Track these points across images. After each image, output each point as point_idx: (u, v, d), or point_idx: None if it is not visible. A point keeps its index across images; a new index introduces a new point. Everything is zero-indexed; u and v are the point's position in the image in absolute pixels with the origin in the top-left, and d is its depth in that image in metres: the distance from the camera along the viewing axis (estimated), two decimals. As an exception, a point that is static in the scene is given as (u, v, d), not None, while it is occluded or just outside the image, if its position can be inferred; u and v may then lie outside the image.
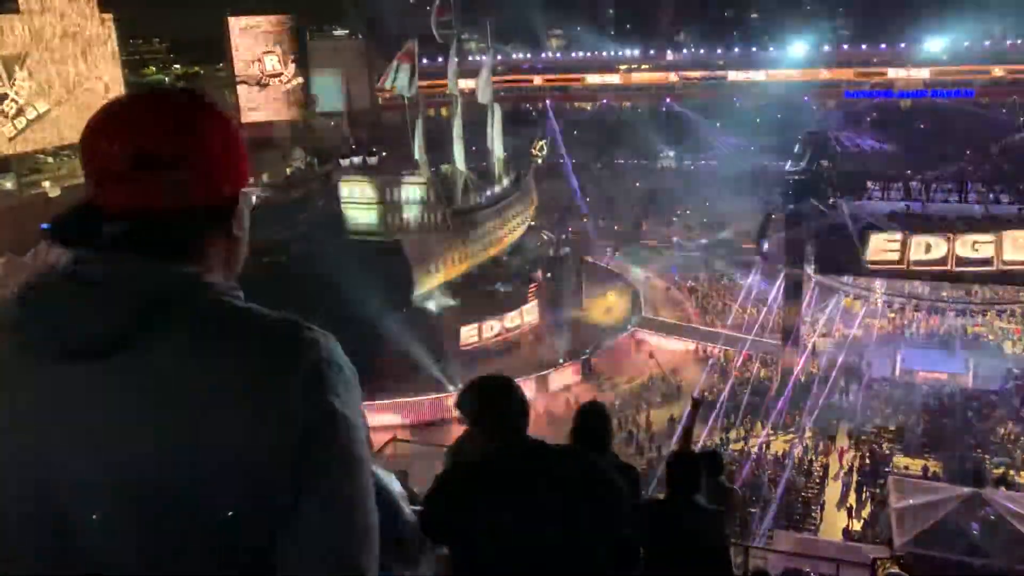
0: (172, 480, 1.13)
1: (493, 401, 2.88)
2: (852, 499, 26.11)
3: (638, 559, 2.80)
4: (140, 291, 1.20)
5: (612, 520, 2.65)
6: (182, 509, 1.14)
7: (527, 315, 40.48)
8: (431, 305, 38.19)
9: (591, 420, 4.42)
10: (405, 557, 2.64)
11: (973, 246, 31.33)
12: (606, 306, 42.17)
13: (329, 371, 1.23)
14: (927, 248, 31.78)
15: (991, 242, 31.07)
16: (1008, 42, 67.31)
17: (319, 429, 1.19)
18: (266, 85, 65.89)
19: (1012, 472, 27.05)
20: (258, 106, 64.67)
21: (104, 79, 48.68)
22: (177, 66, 79.54)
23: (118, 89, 53.06)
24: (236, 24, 63.27)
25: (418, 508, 2.82)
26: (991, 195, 32.42)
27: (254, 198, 1.42)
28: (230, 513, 1.15)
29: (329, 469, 1.21)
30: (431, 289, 39.13)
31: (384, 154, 50.60)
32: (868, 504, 25.38)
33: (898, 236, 31.92)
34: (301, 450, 1.17)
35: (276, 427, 1.16)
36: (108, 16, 48.84)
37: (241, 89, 65.09)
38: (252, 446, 1.15)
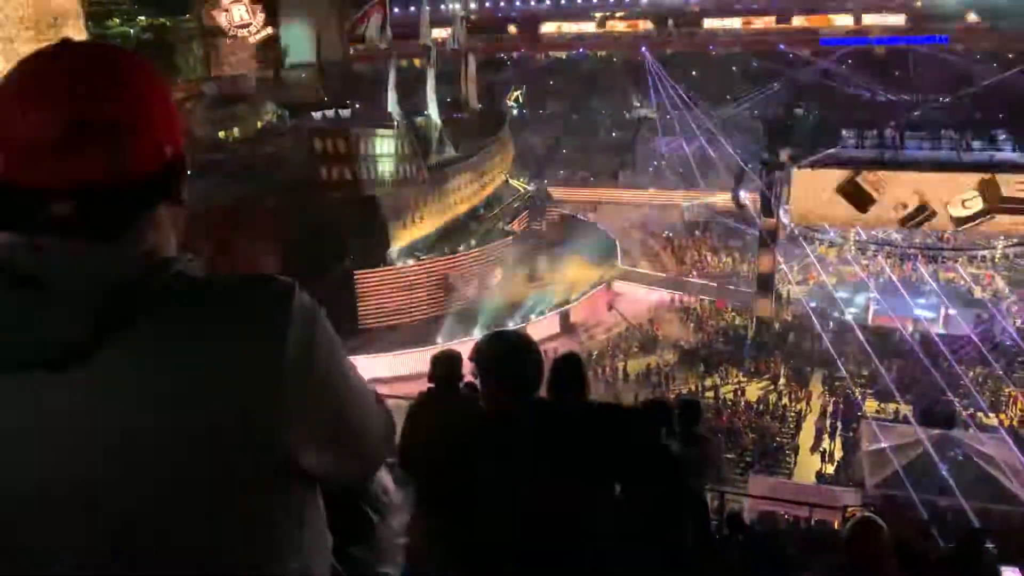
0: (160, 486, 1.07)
1: (512, 359, 2.84)
2: (826, 443, 26.68)
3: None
4: (97, 284, 1.07)
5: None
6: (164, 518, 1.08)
7: (504, 268, 40.42)
8: (408, 260, 37.97)
9: (565, 372, 4.46)
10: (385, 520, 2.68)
11: (963, 204, 31.75)
12: (582, 261, 42.26)
13: (310, 316, 1.17)
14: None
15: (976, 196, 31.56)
16: (983, -13, 67.09)
17: (317, 373, 1.16)
18: (234, 37, 64.44)
19: (980, 414, 27.73)
20: (229, 59, 63.32)
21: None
22: (142, 18, 77.34)
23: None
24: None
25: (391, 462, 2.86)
26: (963, 142, 32.71)
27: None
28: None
29: (340, 396, 1.22)
30: (407, 243, 38.92)
31: (357, 106, 49.87)
32: (841, 448, 25.95)
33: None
34: (310, 398, 1.15)
35: (269, 394, 1.11)
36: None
37: (212, 41, 63.61)
38: (251, 419, 1.10)
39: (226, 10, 65.49)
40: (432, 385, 5.27)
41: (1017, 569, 4.38)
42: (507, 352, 2.84)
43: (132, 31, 76.96)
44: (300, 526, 1.21)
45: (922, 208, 32.08)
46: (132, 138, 1.13)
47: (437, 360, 5.32)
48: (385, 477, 2.79)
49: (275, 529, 1.17)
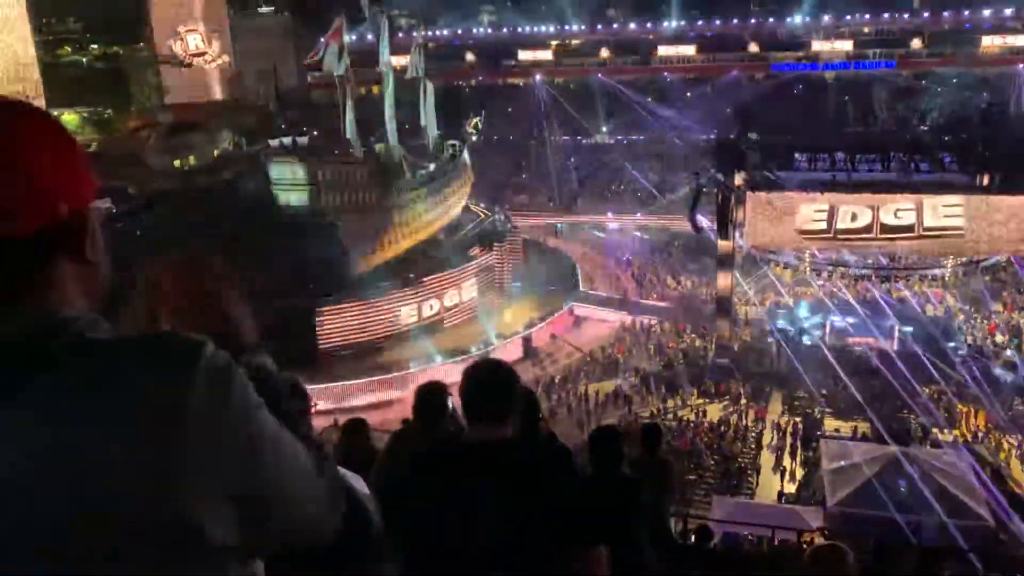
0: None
1: (485, 391, 2.83)
2: (787, 462, 26.90)
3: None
4: None
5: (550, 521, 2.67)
6: None
7: (466, 294, 40.39)
8: (369, 288, 37.72)
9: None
10: (374, 558, 2.63)
11: (896, 214, 32.45)
12: (543, 285, 42.44)
13: (218, 377, 1.12)
14: (852, 217, 32.79)
15: (912, 209, 32.24)
16: (925, 15, 69.30)
17: (225, 437, 1.12)
18: (189, 65, 63.98)
19: (935, 430, 28.21)
20: (183, 87, 62.82)
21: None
22: (95, 46, 76.50)
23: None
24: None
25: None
26: (912, 164, 33.56)
27: (100, 211, 1.23)
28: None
29: (255, 462, 1.15)
30: (369, 270, 38.68)
31: (315, 133, 49.73)
32: (801, 467, 26.19)
33: (825, 206, 32.81)
34: (217, 463, 1.10)
35: (181, 458, 1.07)
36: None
37: (164, 69, 63.11)
38: (163, 492, 1.06)
39: (181, 38, 65.10)
40: (414, 417, 5.10)
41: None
42: (482, 384, 2.84)
43: (84, 60, 76.20)
44: None
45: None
46: (11, 193, 1.09)
47: (420, 392, 5.14)
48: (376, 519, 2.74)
49: None
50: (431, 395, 4.97)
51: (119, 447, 1.04)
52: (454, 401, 5.12)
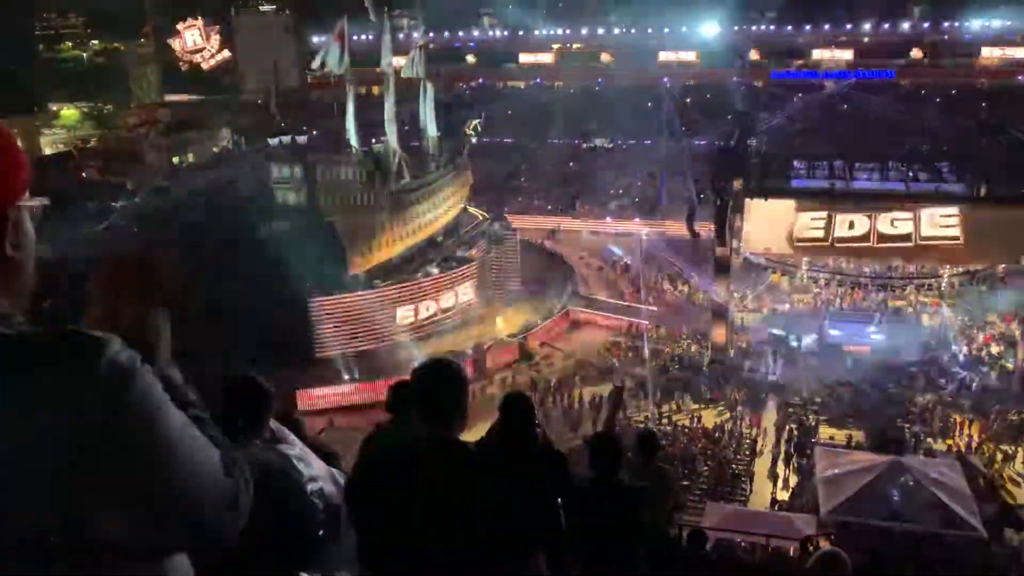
0: None
1: (430, 389, 2.85)
2: (780, 469, 26.90)
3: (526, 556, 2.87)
4: None
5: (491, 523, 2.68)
6: None
7: (463, 295, 40.38)
8: (366, 287, 37.71)
9: (514, 414, 4.41)
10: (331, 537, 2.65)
11: (892, 223, 32.56)
12: (540, 288, 42.43)
13: (120, 376, 1.13)
14: (850, 225, 32.89)
15: (909, 219, 32.34)
16: (925, 25, 69.55)
17: (122, 436, 1.12)
18: (188, 62, 63.99)
19: (930, 440, 28.23)
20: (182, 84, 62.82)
21: None
22: (95, 42, 76.42)
23: None
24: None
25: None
26: (910, 173, 33.68)
27: (33, 208, 1.25)
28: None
29: (153, 461, 1.15)
30: (365, 271, 38.67)
31: (314, 133, 49.73)
32: (796, 474, 26.19)
33: (823, 214, 32.88)
34: (113, 461, 1.11)
35: (77, 449, 1.08)
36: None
37: (164, 66, 63.11)
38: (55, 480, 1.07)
39: (179, 35, 65.10)
40: (387, 412, 5.09)
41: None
42: (431, 383, 2.85)
43: (85, 55, 76.15)
44: None
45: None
46: None
47: (393, 389, 5.15)
48: (334, 495, 2.74)
49: None
50: (403, 391, 5.00)
51: (12, 442, 1.06)
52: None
